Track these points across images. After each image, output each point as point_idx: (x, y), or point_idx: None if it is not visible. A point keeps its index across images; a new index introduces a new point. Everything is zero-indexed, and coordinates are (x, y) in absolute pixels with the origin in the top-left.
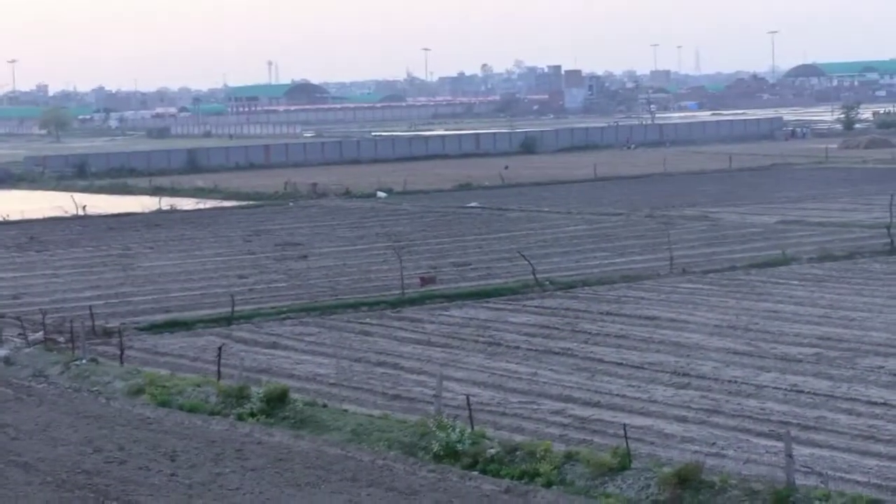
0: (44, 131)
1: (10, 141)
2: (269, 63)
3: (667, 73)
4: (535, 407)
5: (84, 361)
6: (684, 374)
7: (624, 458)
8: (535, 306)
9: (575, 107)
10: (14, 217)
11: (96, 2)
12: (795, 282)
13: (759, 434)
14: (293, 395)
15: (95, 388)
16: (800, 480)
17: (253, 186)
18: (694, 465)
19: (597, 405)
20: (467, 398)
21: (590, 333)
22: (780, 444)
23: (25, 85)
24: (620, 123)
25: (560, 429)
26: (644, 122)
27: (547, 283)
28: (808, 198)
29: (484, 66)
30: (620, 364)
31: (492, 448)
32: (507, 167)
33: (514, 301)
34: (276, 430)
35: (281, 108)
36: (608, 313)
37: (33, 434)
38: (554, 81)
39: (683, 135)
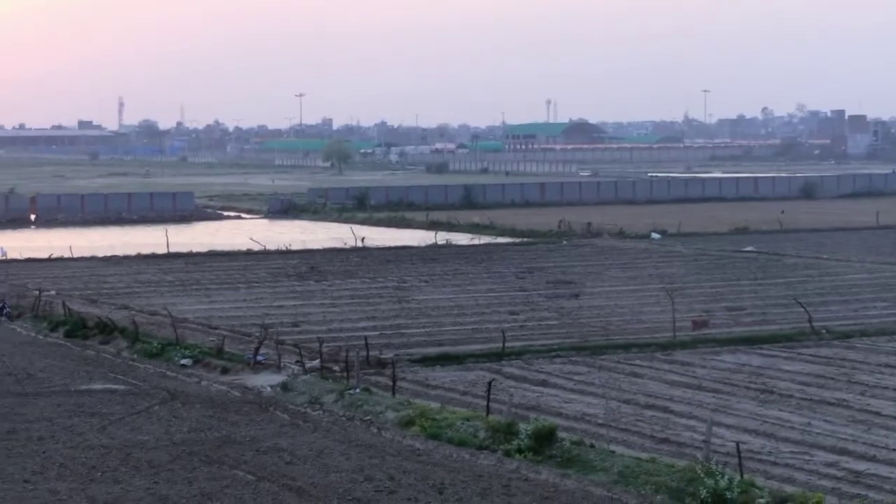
0: (327, 164)
1: (294, 172)
2: (548, 102)
3: None
4: (808, 458)
5: (358, 391)
6: None
7: None
8: (811, 355)
9: (858, 153)
10: (296, 247)
11: (380, 41)
12: None
13: None
14: (561, 434)
15: (368, 418)
16: None
17: (527, 224)
18: None
19: (872, 459)
20: (737, 445)
21: (867, 385)
22: None
23: (311, 118)
24: None
25: (833, 482)
26: None
27: (823, 331)
28: None
29: (764, 109)
30: None
31: (761, 498)
32: (783, 212)
33: (788, 348)
34: (543, 468)
35: (558, 147)
36: (887, 365)
37: (307, 460)
38: (837, 126)
39: None
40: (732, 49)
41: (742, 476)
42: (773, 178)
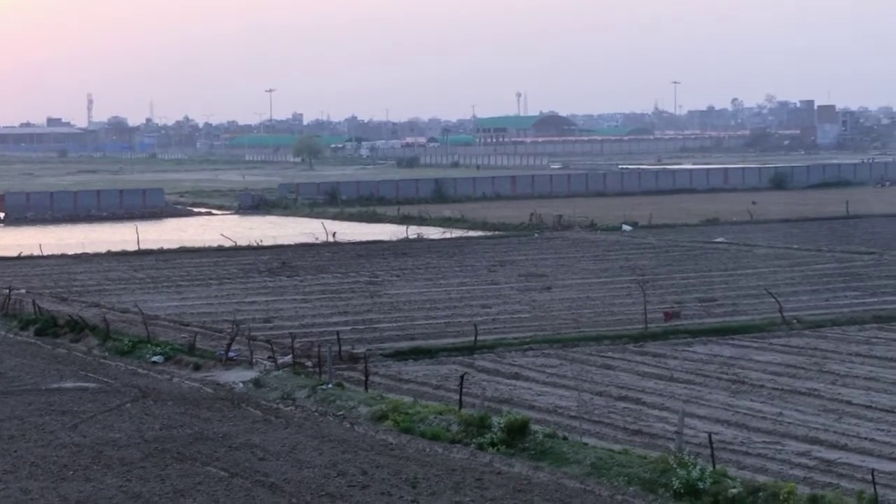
0: (297, 159)
1: (265, 168)
2: (518, 95)
3: None
4: (779, 447)
5: (330, 386)
6: None
7: None
8: (782, 345)
9: (827, 143)
10: (267, 242)
11: (350, 35)
12: None
13: None
14: (533, 427)
15: (340, 413)
16: None
17: (499, 217)
18: None
19: (844, 448)
20: (709, 436)
21: (838, 374)
22: None
23: (281, 114)
24: (875, 160)
25: (805, 471)
26: None
27: (794, 321)
28: None
29: (734, 100)
30: (869, 407)
31: (733, 488)
32: (754, 202)
33: (759, 339)
34: (516, 461)
35: (528, 140)
36: (857, 354)
37: (280, 455)
38: (806, 117)
39: None
40: (702, 40)
41: (714, 466)
42: (744, 168)
